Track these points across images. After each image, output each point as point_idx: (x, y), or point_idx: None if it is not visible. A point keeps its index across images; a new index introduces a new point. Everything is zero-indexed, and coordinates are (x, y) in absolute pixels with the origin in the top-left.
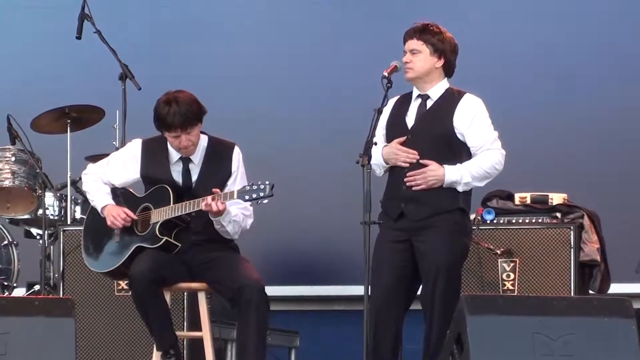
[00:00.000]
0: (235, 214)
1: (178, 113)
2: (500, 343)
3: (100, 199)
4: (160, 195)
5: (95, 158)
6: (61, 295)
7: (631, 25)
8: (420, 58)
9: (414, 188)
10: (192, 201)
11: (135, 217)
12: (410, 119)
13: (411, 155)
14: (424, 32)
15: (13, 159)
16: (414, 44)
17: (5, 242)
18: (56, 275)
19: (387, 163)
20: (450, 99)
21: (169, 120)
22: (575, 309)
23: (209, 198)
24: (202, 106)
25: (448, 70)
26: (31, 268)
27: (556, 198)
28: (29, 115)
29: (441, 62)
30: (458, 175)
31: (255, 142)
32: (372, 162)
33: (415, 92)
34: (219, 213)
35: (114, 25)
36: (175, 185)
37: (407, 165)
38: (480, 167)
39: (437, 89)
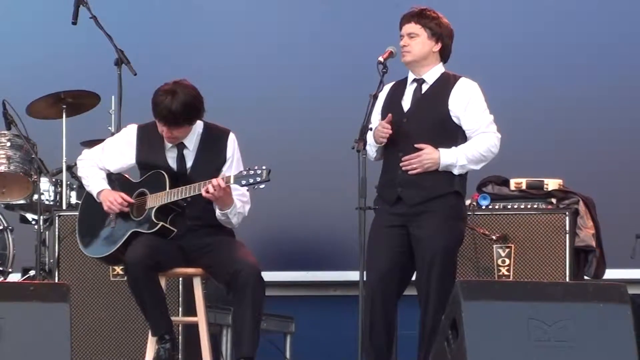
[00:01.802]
0: (240, 205)
1: (167, 109)
2: (495, 328)
3: (96, 184)
4: (156, 181)
5: (90, 143)
6: (56, 281)
7: (626, 12)
8: (418, 41)
9: (409, 172)
10: (188, 186)
11: (132, 200)
12: (405, 103)
13: (385, 130)
14: (421, 16)
15: (8, 144)
16: (412, 27)
17: (1, 227)
18: (51, 261)
19: (376, 143)
20: (445, 83)
21: (158, 111)
22: (570, 294)
23: (210, 186)
24: (197, 111)
25: (444, 54)
26: (26, 253)
27: (551, 184)
28: (24, 100)
29: (438, 47)
30: (453, 158)
31: (251, 128)
32: (366, 145)
33: (411, 77)
34: (222, 200)
35: (109, 10)
36: (170, 171)
37: (385, 140)
38: (475, 149)
39: (433, 73)
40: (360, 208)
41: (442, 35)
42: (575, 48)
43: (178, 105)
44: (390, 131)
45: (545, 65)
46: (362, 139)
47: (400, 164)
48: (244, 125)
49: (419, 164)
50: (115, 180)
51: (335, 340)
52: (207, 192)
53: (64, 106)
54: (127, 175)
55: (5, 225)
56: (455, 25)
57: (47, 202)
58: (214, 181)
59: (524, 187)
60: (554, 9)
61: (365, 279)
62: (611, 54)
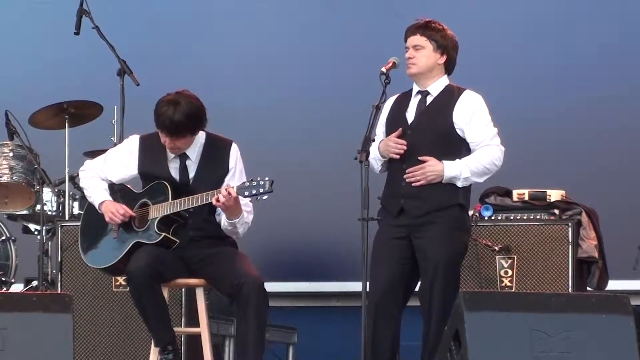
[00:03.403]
0: (246, 215)
1: (170, 119)
2: (498, 339)
3: (98, 195)
4: (159, 191)
5: (93, 154)
6: (59, 291)
7: (627, 22)
8: (424, 54)
9: (413, 184)
10: (191, 197)
11: (133, 214)
12: (410, 115)
13: (399, 145)
14: (427, 28)
15: (11, 154)
16: (418, 39)
17: (3, 237)
18: (54, 271)
19: (382, 157)
20: (450, 95)
21: (161, 121)
22: (573, 305)
23: (221, 196)
24: (199, 121)
25: (449, 67)
26: (29, 264)
27: (554, 195)
28: (27, 110)
29: (443, 59)
30: (457, 170)
31: (254, 138)
32: (369, 157)
33: (415, 89)
34: (231, 209)
35: (112, 20)
36: (173, 182)
37: (398, 156)
38: (479, 162)
39: (437, 85)
40: (362, 219)
41: (448, 48)
42: (578, 59)
43: (180, 116)
44: (405, 147)
45: (547, 76)
46: (365, 150)
47: (404, 176)
48: (246, 134)
49: (422, 176)
50: (118, 190)
51: (338, 351)
52: (218, 200)
53: (67, 116)
54: (129, 186)
55: (8, 235)
56: (459, 37)
57: (49, 213)
58: (224, 190)
59: (526, 198)
60: (553, 16)
61: (368, 290)
62: (614, 65)
